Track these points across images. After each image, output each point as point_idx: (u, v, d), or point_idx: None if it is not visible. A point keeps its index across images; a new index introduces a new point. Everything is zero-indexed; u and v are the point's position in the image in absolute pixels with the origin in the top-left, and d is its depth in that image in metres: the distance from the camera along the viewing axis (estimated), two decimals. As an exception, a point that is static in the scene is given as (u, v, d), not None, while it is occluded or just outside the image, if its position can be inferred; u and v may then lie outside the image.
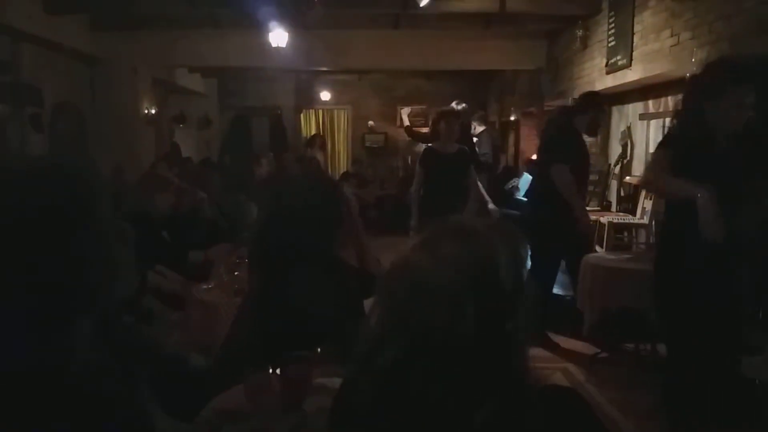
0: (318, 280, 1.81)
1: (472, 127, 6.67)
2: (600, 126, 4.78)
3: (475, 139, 6.56)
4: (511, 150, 9.66)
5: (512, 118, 9.36)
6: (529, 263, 0.98)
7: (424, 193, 4.65)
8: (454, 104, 5.50)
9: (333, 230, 1.94)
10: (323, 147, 10.37)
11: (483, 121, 6.81)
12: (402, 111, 7.14)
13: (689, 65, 4.43)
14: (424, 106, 10.60)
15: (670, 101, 5.58)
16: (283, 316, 1.79)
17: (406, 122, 6.81)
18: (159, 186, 3.79)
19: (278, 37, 6.62)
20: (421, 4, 5.70)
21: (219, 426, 1.36)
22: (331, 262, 1.95)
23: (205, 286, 2.87)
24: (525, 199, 6.53)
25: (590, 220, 4.38)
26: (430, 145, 4.82)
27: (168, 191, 3.82)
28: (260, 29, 6.54)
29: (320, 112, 11.44)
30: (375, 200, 9.42)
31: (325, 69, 9.68)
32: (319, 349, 1.67)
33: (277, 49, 6.78)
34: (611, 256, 3.91)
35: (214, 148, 10.20)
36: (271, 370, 1.50)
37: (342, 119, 11.40)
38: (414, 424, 0.89)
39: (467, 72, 9.38)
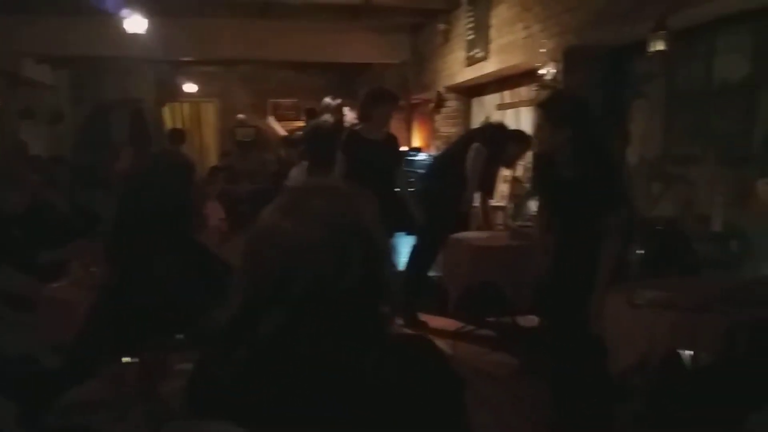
0: (173, 266, 1.79)
1: (351, 116, 6.75)
2: (516, 162, 5.08)
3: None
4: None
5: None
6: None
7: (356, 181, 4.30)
8: (328, 99, 5.51)
9: (187, 216, 1.91)
10: (184, 141, 9.94)
11: (353, 109, 6.91)
12: (270, 120, 6.93)
13: (540, 56, 4.76)
14: (295, 100, 10.54)
15: (524, 92, 5.95)
16: (139, 304, 1.76)
17: (282, 132, 6.68)
18: (10, 184, 3.51)
19: (135, 23, 6.28)
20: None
21: (76, 417, 1.32)
22: (188, 248, 1.91)
23: (57, 284, 2.74)
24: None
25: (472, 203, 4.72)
26: (355, 128, 4.31)
27: (20, 189, 3.55)
28: (114, 15, 6.18)
29: (186, 105, 11.02)
30: (247, 195, 9.23)
31: (188, 59, 9.31)
32: (181, 335, 1.65)
33: (135, 36, 6.43)
34: (473, 235, 4.11)
35: (68, 144, 9.51)
36: (128, 359, 1.48)
37: (210, 112, 11.05)
38: (300, 386, 0.89)
39: (337, 65, 9.43)
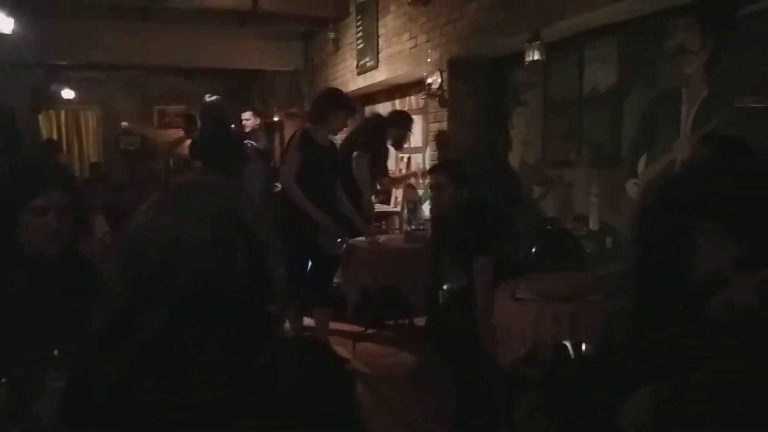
0: (46, 280, 1.68)
1: (252, 121, 6.65)
2: (404, 142, 5.23)
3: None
4: (277, 150, 9.75)
5: (275, 119, 9.46)
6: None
7: (309, 184, 3.79)
8: (206, 97, 5.39)
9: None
10: (60, 152, 9.32)
11: (258, 115, 6.82)
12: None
13: (426, 66, 4.91)
14: (183, 107, 10.19)
15: (413, 100, 6.12)
16: (6, 320, 1.64)
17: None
18: None
19: (1, 23, 5.82)
20: (171, -3, 5.48)
21: None
22: (67, 259, 1.80)
23: None
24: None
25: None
26: (306, 129, 3.99)
27: None
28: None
29: (64, 112, 10.35)
30: (135, 206, 8.78)
31: (65, 63, 8.75)
32: (55, 351, 1.55)
33: (2, 38, 5.97)
34: (369, 239, 4.16)
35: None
36: None
37: (90, 120, 10.44)
38: (186, 389, 0.85)
39: (228, 72, 9.22)
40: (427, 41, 5.00)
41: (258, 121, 6.60)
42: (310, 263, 3.83)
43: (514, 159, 4.79)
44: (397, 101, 6.49)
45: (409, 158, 6.08)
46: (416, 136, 6.03)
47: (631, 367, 2.03)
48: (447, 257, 3.20)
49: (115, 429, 0.85)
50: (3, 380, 1.35)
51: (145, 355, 0.86)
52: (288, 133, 9.02)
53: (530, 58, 3.85)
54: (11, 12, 5.79)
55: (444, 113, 4.86)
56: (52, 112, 10.24)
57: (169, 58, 7.88)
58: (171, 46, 7.46)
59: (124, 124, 10.22)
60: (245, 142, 6.15)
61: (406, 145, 6.14)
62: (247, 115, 6.44)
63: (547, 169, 4.15)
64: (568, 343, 2.52)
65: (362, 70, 6.29)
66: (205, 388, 0.86)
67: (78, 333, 1.61)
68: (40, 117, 10.13)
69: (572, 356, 2.50)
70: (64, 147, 9.77)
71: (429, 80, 4.84)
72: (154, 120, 10.26)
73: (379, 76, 5.97)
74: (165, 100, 10.12)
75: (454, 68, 4.74)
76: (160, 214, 0.92)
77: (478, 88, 4.87)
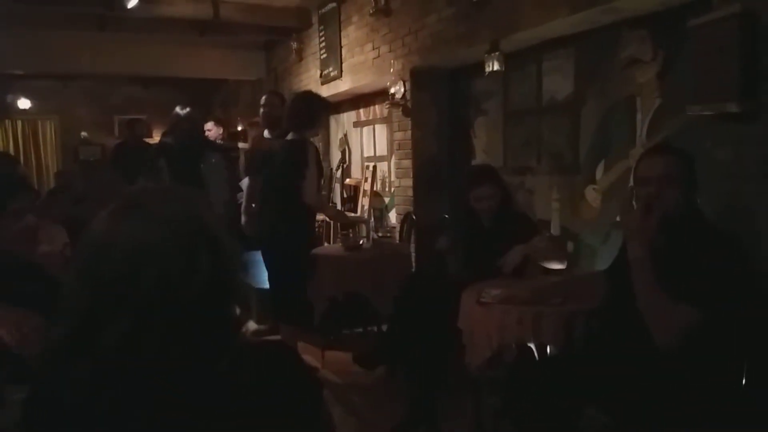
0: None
1: (215, 131, 6.59)
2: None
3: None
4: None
5: (239, 128, 9.40)
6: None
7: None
8: (178, 109, 5.33)
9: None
10: (17, 163, 9.08)
11: (220, 124, 6.79)
12: None
13: (389, 76, 4.98)
14: (143, 117, 10.05)
15: (377, 109, 6.17)
16: None
17: None
18: None
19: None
20: (129, 6, 5.43)
21: None
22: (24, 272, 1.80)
23: None
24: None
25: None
26: (309, 141, 3.90)
27: None
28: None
29: (20, 122, 10.09)
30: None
31: (19, 72, 8.55)
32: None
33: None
34: (334, 248, 4.18)
35: None
36: None
37: (48, 130, 10.20)
38: (149, 396, 0.85)
39: (189, 81, 9.14)
40: (390, 51, 5.07)
41: (221, 131, 6.57)
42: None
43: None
44: (361, 110, 6.55)
45: (374, 166, 6.13)
46: (381, 144, 6.10)
47: (596, 369, 2.11)
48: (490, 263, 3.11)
49: None
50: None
51: (108, 363, 0.85)
52: (252, 143, 9.01)
53: (490, 69, 3.94)
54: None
55: (407, 122, 4.92)
56: (8, 122, 9.99)
57: (129, 68, 7.80)
58: (130, 55, 7.39)
59: (83, 134, 10.03)
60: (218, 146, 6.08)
61: (371, 154, 6.21)
62: (209, 125, 6.41)
63: (509, 176, 4.24)
64: (532, 345, 2.58)
65: (326, 80, 6.33)
66: (170, 394, 0.85)
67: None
68: (-3, 127, 9.89)
69: (536, 358, 2.57)
70: (22, 158, 9.52)
71: (392, 90, 4.90)
72: (114, 130, 10.09)
73: (343, 85, 6.01)
74: (125, 109, 9.96)
75: (416, 78, 4.81)
76: (120, 221, 0.90)
77: (440, 97, 4.96)
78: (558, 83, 4.02)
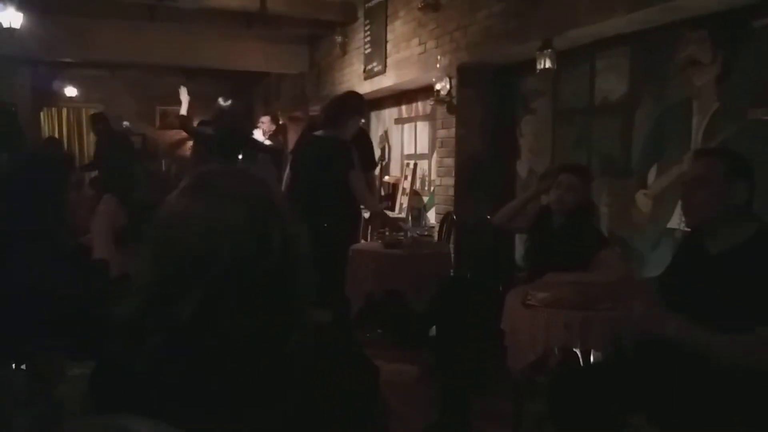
0: (45, 266, 1.68)
1: (268, 125, 6.64)
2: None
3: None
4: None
5: (279, 122, 9.46)
6: None
7: None
8: (221, 100, 5.36)
9: (59, 210, 1.80)
10: (61, 148, 9.29)
11: (274, 121, 6.86)
12: (181, 91, 6.48)
13: (435, 72, 4.91)
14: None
15: (420, 106, 6.11)
16: (12, 308, 1.64)
17: (184, 110, 6.25)
18: None
19: (9, 17, 5.81)
20: (179, -3, 5.48)
21: None
22: (61, 247, 1.81)
23: None
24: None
25: None
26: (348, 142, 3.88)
27: None
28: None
29: (66, 110, 10.32)
30: (140, 209, 8.72)
31: (68, 60, 8.73)
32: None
33: (7, 32, 5.95)
34: (374, 245, 4.14)
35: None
36: (16, 365, 1.37)
37: (93, 119, 10.41)
38: (219, 370, 0.86)
39: (232, 74, 9.22)
40: (437, 47, 5.00)
41: (273, 128, 6.63)
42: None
43: (522, 167, 4.79)
44: (403, 107, 6.50)
45: (415, 164, 6.07)
46: (422, 142, 6.04)
47: (645, 376, 2.02)
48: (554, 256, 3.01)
49: (147, 413, 0.84)
50: (23, 367, 1.35)
51: (180, 338, 0.86)
52: (291, 136, 9.06)
53: (541, 66, 3.85)
54: (20, 7, 5.77)
55: (452, 120, 4.85)
56: (54, 110, 10.22)
57: (173, 58, 7.87)
58: (175, 46, 7.45)
59: (125, 123, 10.19)
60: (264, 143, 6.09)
61: (412, 152, 6.15)
62: (264, 119, 6.45)
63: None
64: (578, 351, 2.50)
65: (369, 75, 6.29)
66: (237, 372, 0.87)
67: (83, 321, 1.62)
68: (42, 114, 10.12)
69: (582, 364, 2.49)
70: (65, 145, 9.74)
71: (437, 86, 4.84)
72: (156, 120, 10.24)
73: (387, 81, 5.96)
74: (167, 100, 10.09)
75: (463, 75, 4.74)
76: (193, 200, 0.91)
77: (487, 94, 4.87)
78: (612, 83, 3.90)
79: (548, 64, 3.82)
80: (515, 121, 4.82)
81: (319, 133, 3.88)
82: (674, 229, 3.43)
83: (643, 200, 3.66)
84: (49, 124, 10.24)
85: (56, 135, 9.99)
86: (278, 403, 0.88)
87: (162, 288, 0.89)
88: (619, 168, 3.85)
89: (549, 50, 3.80)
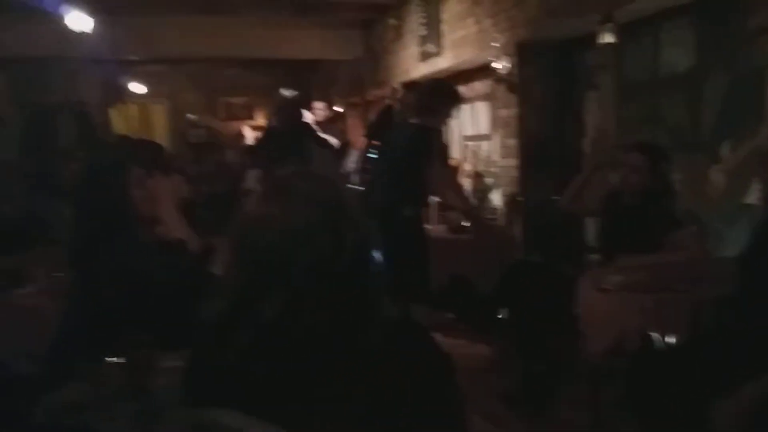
0: (130, 257, 1.78)
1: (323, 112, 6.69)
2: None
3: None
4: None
5: (336, 109, 9.52)
6: None
7: None
8: (283, 91, 5.44)
9: (131, 205, 1.89)
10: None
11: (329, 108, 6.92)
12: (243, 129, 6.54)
13: (491, 51, 4.85)
14: (245, 98, 10.39)
15: (478, 86, 6.04)
16: (111, 305, 1.75)
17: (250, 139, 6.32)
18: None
19: (79, 22, 6.06)
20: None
21: (66, 417, 1.30)
22: (140, 238, 1.90)
23: (22, 292, 2.67)
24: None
25: None
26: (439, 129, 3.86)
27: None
28: (54, 13, 5.95)
29: (134, 106, 10.70)
30: (205, 199, 8.98)
31: (134, 59, 9.05)
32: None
33: (78, 36, 6.21)
34: (439, 229, 4.16)
35: (11, 149, 9.11)
36: (111, 359, 1.47)
37: (159, 113, 10.76)
38: (301, 369, 0.91)
39: (288, 62, 9.33)
40: (493, 25, 4.92)
41: (328, 114, 6.68)
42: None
43: (587, 144, 4.68)
44: (462, 87, 6.42)
45: (475, 146, 6.01)
46: (482, 123, 5.97)
47: (728, 360, 1.97)
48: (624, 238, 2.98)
49: (237, 402, 0.91)
50: (121, 359, 1.44)
51: (265, 338, 0.92)
52: (350, 122, 9.12)
53: (602, 41, 3.75)
54: (88, 11, 6.01)
55: (512, 99, 4.78)
56: (122, 106, 10.61)
57: (231, 50, 8.03)
58: (232, 38, 7.59)
59: (190, 116, 10.49)
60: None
61: (471, 133, 6.08)
62: (319, 105, 6.50)
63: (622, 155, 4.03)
64: (655, 335, 2.46)
65: (425, 57, 6.25)
66: (317, 367, 0.92)
67: (175, 316, 1.71)
68: (111, 111, 10.53)
69: (660, 347, 2.45)
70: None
71: (496, 65, 4.77)
72: (219, 112, 10.49)
73: (443, 62, 5.91)
74: (229, 91, 10.32)
75: (522, 52, 4.65)
76: (271, 206, 0.97)
77: (548, 71, 4.77)
78: (678, 55, 3.76)
79: (610, 39, 3.72)
80: (579, 98, 4.71)
81: (413, 120, 3.85)
82: (752, 205, 3.30)
83: (716, 175, 3.53)
84: (118, 119, 10.64)
85: (125, 131, 10.38)
86: (355, 397, 0.92)
87: (247, 289, 0.94)
88: (689, 143, 3.72)
89: (610, 24, 3.70)
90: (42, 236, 3.74)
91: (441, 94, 3.83)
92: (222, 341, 0.94)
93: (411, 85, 4.88)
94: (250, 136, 6.25)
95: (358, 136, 6.61)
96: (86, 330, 1.78)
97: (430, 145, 3.66)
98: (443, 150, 3.73)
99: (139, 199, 1.91)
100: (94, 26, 6.25)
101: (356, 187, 4.84)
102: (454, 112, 3.91)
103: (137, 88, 10.29)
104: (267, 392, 0.92)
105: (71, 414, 1.33)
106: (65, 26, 6.09)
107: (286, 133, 5.18)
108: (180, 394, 1.02)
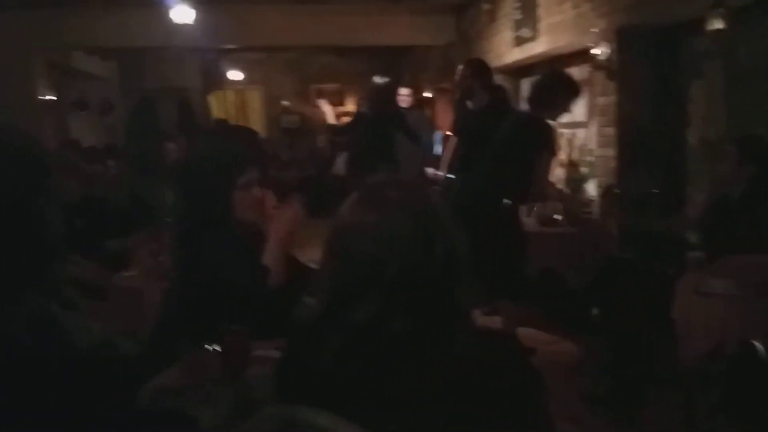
0: (225, 251, 1.83)
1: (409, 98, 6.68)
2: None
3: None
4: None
5: (427, 95, 9.48)
6: None
7: None
8: (375, 78, 5.46)
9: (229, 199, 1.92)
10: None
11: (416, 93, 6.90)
12: (321, 103, 6.52)
13: (590, 36, 4.65)
14: (338, 85, 10.54)
15: (575, 72, 5.82)
16: (209, 291, 1.81)
17: (331, 117, 6.29)
18: (66, 172, 3.61)
19: (182, 13, 6.36)
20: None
21: (166, 401, 1.37)
22: (233, 234, 1.94)
23: (127, 274, 2.82)
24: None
25: None
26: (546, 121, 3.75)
27: (76, 177, 3.66)
28: (160, 5, 6.27)
29: (231, 92, 11.13)
30: (298, 182, 9.24)
31: (232, 47, 9.39)
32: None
33: (181, 26, 6.52)
34: (529, 222, 4.07)
35: (119, 134, 9.73)
36: (209, 346, 1.52)
37: (255, 99, 11.14)
38: (391, 373, 0.93)
39: (380, 48, 9.38)
40: (592, 10, 4.73)
41: (413, 100, 6.64)
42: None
43: (692, 135, 4.42)
44: (555, 74, 6.22)
45: (571, 134, 5.82)
46: (578, 110, 5.76)
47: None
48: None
49: (326, 402, 0.93)
50: (215, 348, 1.49)
51: (356, 342, 0.94)
52: (439, 108, 9.05)
53: (712, 27, 3.51)
54: (191, 2, 6.29)
55: (611, 86, 4.58)
56: (221, 93, 11.06)
57: (324, 38, 8.16)
58: (325, 26, 7.70)
59: (284, 102, 10.78)
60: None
61: (566, 120, 5.87)
62: (405, 91, 6.48)
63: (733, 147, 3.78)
64: (758, 343, 2.30)
65: (519, 42, 6.09)
66: (405, 374, 0.93)
67: (264, 306, 1.76)
68: (211, 97, 11.00)
69: (763, 356, 2.29)
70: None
71: (594, 51, 4.58)
72: (311, 98, 10.73)
73: (538, 47, 5.74)
74: (321, 78, 10.51)
75: (622, 38, 4.43)
76: (365, 213, 0.99)
77: (650, 58, 4.53)
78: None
79: (720, 25, 3.48)
80: (682, 86, 4.44)
81: (527, 110, 3.79)
82: None
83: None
84: (216, 105, 11.10)
85: (224, 116, 10.82)
86: (441, 406, 0.93)
87: (340, 292, 0.98)
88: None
89: (721, 9, 3.45)
90: (146, 220, 3.95)
91: (563, 87, 3.72)
92: (314, 342, 0.98)
93: (469, 64, 4.73)
94: (331, 115, 6.04)
95: (445, 122, 6.55)
96: (186, 315, 1.85)
97: (544, 138, 3.57)
98: (554, 143, 3.61)
99: (239, 203, 1.93)
100: (196, 17, 6.54)
101: (445, 175, 4.80)
102: (572, 106, 3.79)
103: (235, 75, 10.69)
104: (354, 394, 0.94)
105: (169, 398, 1.40)
106: (169, 17, 6.41)
107: (376, 120, 5.20)
108: (273, 386, 1.06)
